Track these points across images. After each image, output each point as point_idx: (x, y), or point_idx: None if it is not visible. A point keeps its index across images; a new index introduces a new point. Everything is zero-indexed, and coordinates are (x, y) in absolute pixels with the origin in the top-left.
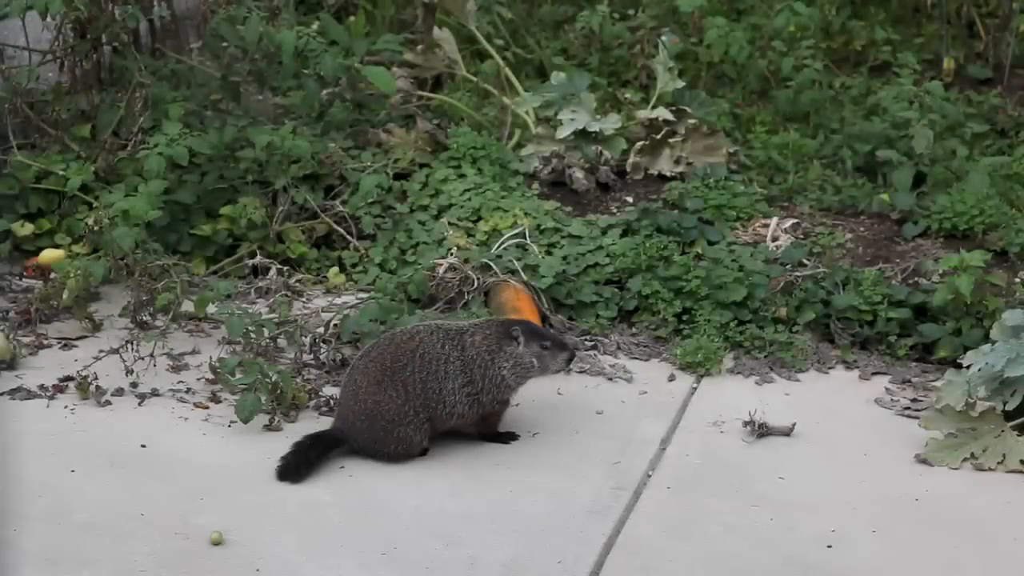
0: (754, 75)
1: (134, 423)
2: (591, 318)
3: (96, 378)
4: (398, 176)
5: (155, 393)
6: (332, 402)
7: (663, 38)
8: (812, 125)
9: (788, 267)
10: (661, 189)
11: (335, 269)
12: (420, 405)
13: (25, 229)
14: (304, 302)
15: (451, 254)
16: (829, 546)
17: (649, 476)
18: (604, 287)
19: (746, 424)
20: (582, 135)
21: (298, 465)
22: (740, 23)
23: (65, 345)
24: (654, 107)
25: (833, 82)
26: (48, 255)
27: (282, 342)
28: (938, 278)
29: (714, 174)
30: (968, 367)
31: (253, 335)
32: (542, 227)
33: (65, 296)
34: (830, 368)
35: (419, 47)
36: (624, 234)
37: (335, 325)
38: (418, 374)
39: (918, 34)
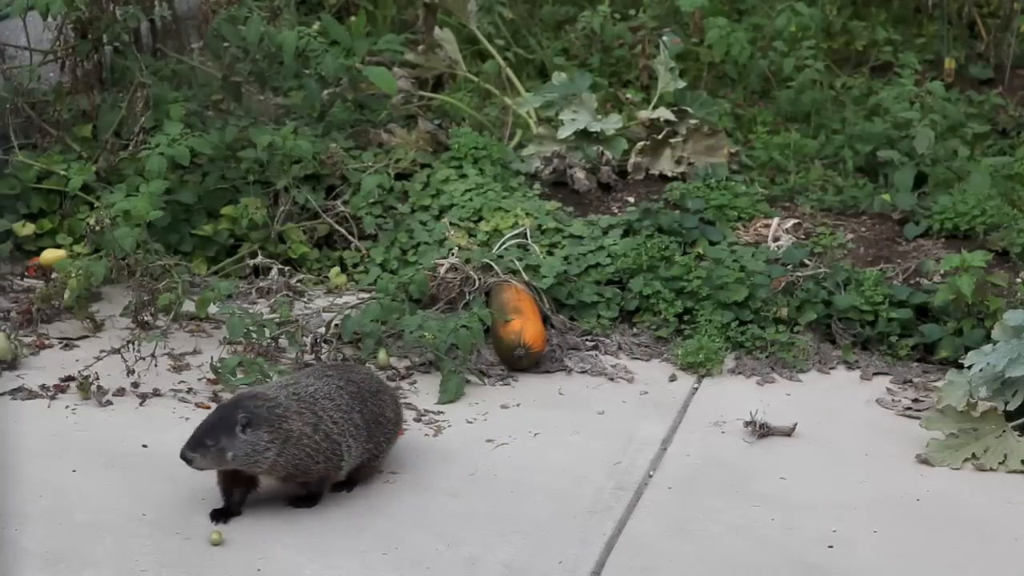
0: (755, 75)
1: (135, 423)
2: (592, 318)
3: (97, 378)
4: (399, 176)
5: (156, 393)
6: None
7: (664, 38)
8: (813, 125)
9: (789, 267)
10: (662, 189)
11: (336, 269)
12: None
13: (26, 229)
14: (305, 302)
15: (452, 254)
16: (830, 546)
17: (650, 476)
18: (605, 287)
19: (747, 424)
20: (583, 135)
21: None
22: (741, 23)
23: (66, 345)
24: (655, 107)
25: (834, 82)
26: (49, 255)
27: (283, 342)
28: (939, 278)
29: (715, 174)
30: (969, 367)
31: (254, 335)
32: (543, 227)
33: (66, 296)
34: (831, 368)
35: (420, 47)
36: (625, 234)
37: (336, 325)
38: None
39: (919, 34)
